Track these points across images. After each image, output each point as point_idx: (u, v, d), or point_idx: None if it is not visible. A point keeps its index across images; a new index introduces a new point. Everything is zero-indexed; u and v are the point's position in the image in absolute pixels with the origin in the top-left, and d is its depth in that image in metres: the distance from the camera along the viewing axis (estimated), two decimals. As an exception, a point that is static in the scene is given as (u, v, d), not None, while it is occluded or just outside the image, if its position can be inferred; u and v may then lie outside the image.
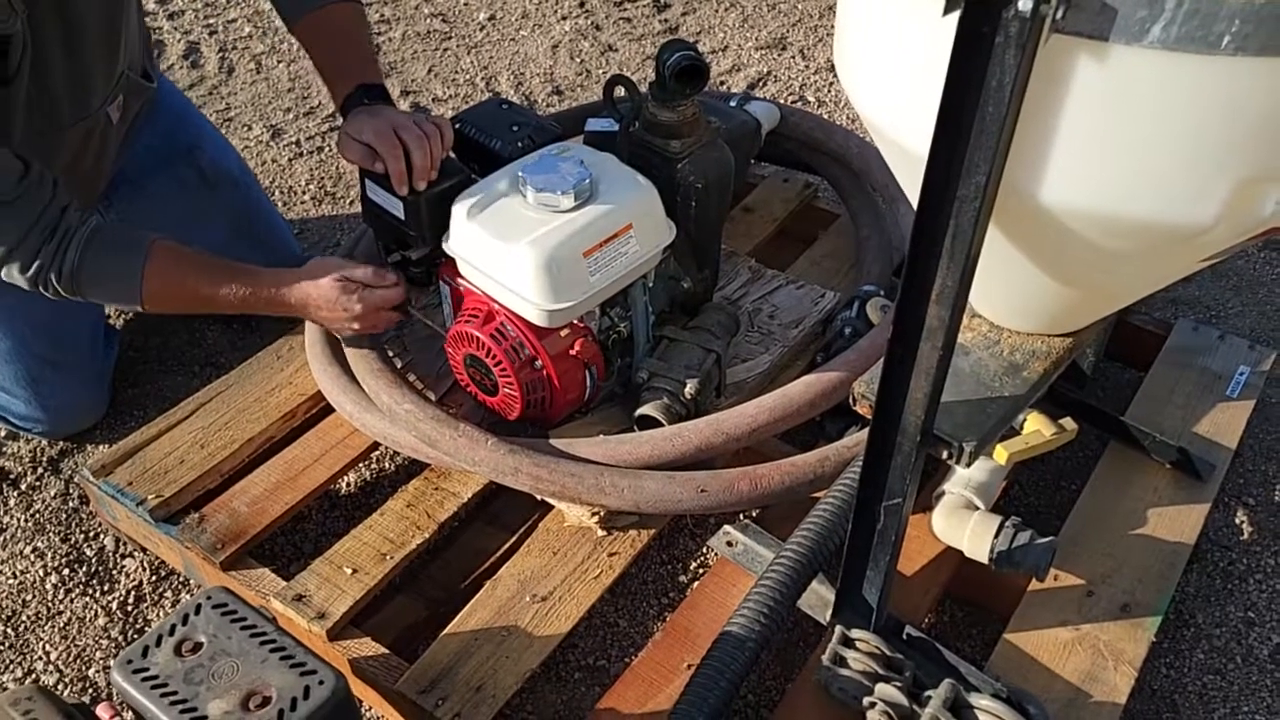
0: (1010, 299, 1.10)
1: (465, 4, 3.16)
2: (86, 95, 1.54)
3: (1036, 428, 1.25)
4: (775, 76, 2.81)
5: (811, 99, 2.71)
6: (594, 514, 1.45)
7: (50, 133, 1.51)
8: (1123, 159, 0.81)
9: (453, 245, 1.44)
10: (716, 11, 3.10)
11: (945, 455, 1.06)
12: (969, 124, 0.82)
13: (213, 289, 1.46)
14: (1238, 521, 1.60)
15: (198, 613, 1.01)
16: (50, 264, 1.40)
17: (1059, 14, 0.73)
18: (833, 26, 3.00)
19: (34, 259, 1.39)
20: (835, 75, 2.79)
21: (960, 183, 0.86)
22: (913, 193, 1.08)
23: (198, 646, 0.98)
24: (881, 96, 0.95)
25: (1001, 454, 1.22)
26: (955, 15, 0.77)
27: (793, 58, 2.88)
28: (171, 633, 0.99)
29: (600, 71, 2.85)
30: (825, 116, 2.31)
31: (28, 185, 1.37)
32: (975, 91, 0.81)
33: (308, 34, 1.61)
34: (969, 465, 1.07)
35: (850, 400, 1.17)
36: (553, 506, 1.50)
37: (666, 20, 3.07)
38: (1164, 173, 0.80)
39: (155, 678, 0.95)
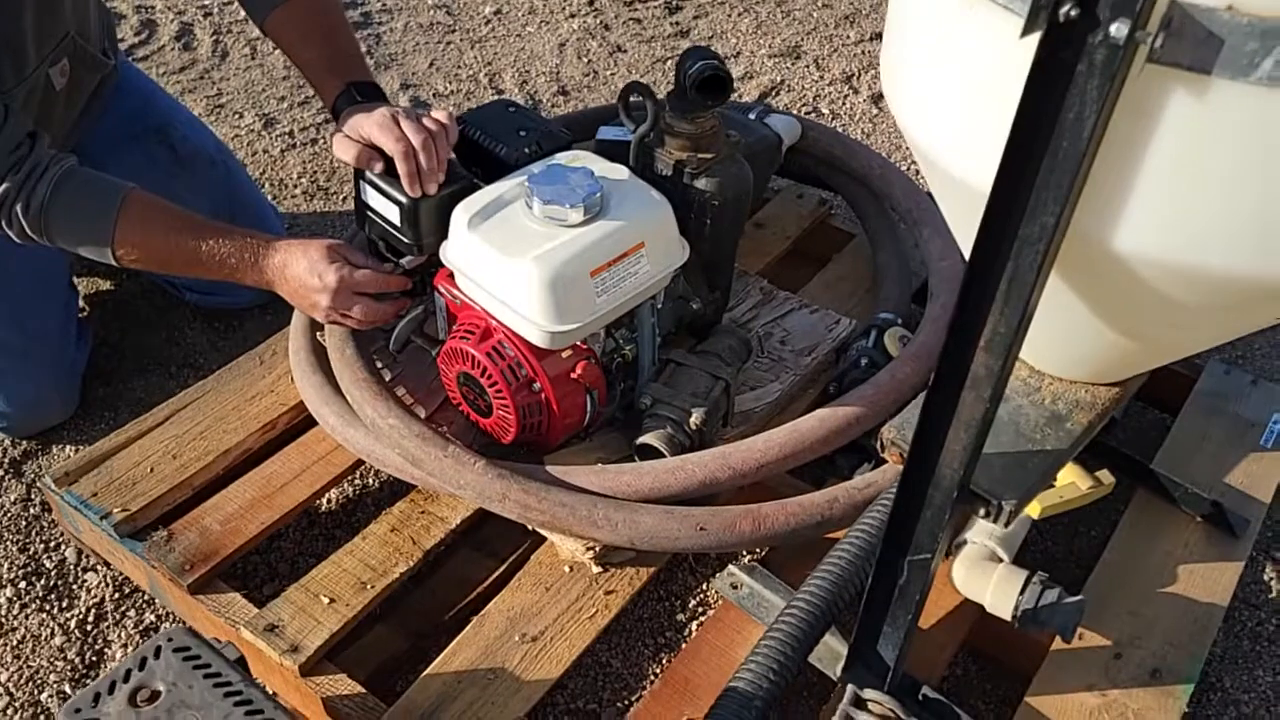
0: (1057, 345, 1.01)
1: (470, -3, 3.07)
2: (21, 52, 1.44)
3: (1072, 480, 1.17)
4: (788, 86, 2.72)
5: (825, 111, 2.63)
6: (589, 548, 1.36)
7: None
8: (1214, 206, 0.72)
9: (451, 256, 1.35)
10: (730, 16, 3.02)
11: (983, 514, 0.98)
12: (1039, 159, 0.74)
13: (193, 242, 1.36)
14: (1266, 579, 1.52)
15: (157, 656, 0.92)
16: (17, 196, 1.30)
17: (1157, 43, 0.65)
18: (849, 36, 2.94)
19: None
20: (851, 87, 2.71)
21: (1024, 223, 0.78)
22: (962, 227, 1.00)
23: (155, 695, 0.89)
24: (935, 122, 0.87)
25: (1035, 508, 1.14)
26: (1034, 38, 0.69)
27: (807, 67, 2.79)
28: (127, 679, 0.90)
29: (608, 73, 2.76)
30: (839, 130, 2.22)
31: None
32: (1049, 124, 0.72)
33: (281, 30, 1.51)
34: (1008, 525, 0.99)
35: (879, 446, 1.08)
36: (545, 537, 1.41)
37: (678, 23, 2.99)
38: (1262, 222, 0.72)
39: (105, 731, 0.86)
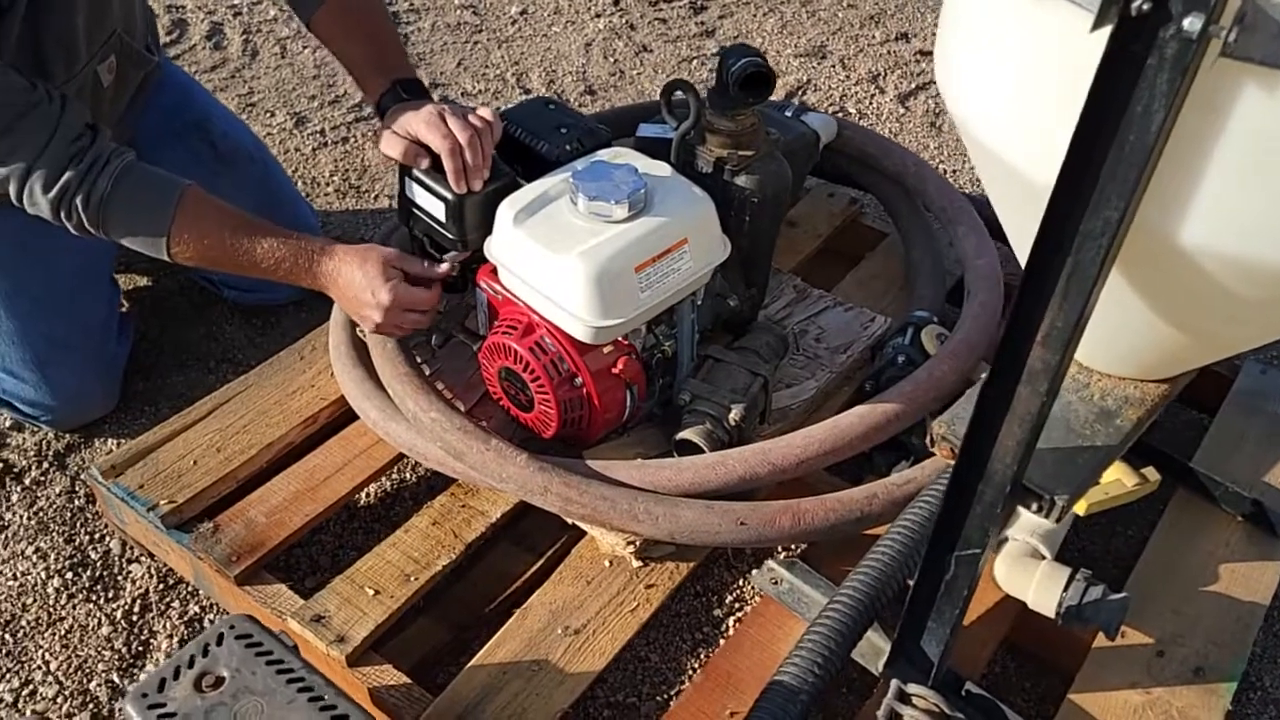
0: (1109, 340, 1.02)
1: (497, -3, 3.08)
2: (73, 50, 1.46)
3: (1117, 477, 1.17)
4: (815, 86, 2.73)
5: (852, 110, 2.63)
6: (629, 542, 1.37)
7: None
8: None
9: (495, 251, 1.36)
10: (755, 16, 3.03)
11: (1035, 509, 0.98)
12: (1104, 153, 0.74)
13: (248, 243, 1.37)
14: (1305, 578, 1.52)
15: (219, 643, 0.93)
16: (78, 188, 1.32)
17: (1230, 37, 0.65)
18: (874, 36, 2.94)
19: (59, 176, 1.31)
20: (877, 87, 2.71)
21: (1087, 217, 0.78)
22: (1016, 221, 1.01)
23: (219, 681, 0.90)
24: (995, 116, 0.88)
25: (1081, 505, 1.15)
26: (1104, 32, 0.69)
27: (833, 67, 2.80)
28: (191, 664, 0.91)
29: (634, 72, 2.77)
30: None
31: (39, 97, 1.30)
32: (1116, 117, 0.73)
33: (328, 28, 1.52)
34: (1059, 520, 0.99)
35: (928, 441, 1.08)
36: (584, 532, 1.42)
37: (703, 23, 3.00)
38: (1327, 218, 0.72)
39: (173, 715, 0.87)
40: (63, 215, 1.33)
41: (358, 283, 1.37)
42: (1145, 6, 0.66)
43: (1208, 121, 0.71)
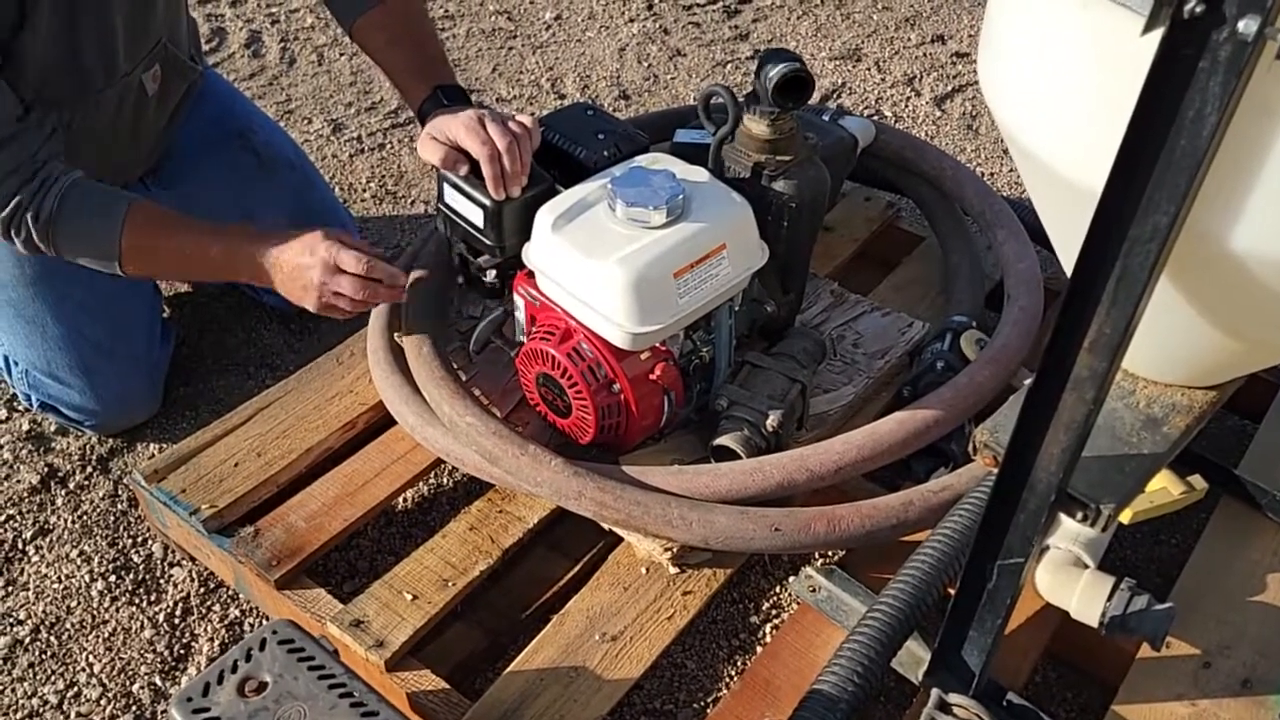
0: (1157, 346, 1.00)
1: (531, 2, 3.09)
2: (112, 54, 1.48)
3: (1163, 485, 1.15)
4: (850, 89, 2.72)
5: (888, 113, 2.62)
6: (666, 549, 1.37)
7: (84, 98, 1.46)
8: (1338, 205, 0.71)
9: (534, 257, 1.37)
10: (789, 20, 3.02)
11: (1080, 517, 0.97)
12: (1153, 157, 0.73)
13: (196, 247, 1.38)
14: (1356, 589, 1.49)
15: (262, 648, 0.94)
16: (29, 205, 1.34)
17: (1288, 39, 0.64)
18: (909, 39, 2.92)
19: (11, 198, 1.33)
20: (913, 89, 2.69)
21: (1135, 222, 0.77)
22: (1060, 226, 0.99)
23: (262, 686, 0.91)
24: (1040, 118, 0.86)
25: (1126, 513, 1.13)
26: (1155, 35, 0.68)
27: (868, 70, 2.78)
28: (234, 669, 0.92)
29: (668, 77, 2.77)
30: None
31: (25, 127, 1.33)
32: (1167, 122, 0.71)
33: (371, 34, 1.54)
34: (1105, 529, 0.98)
35: (970, 449, 1.07)
36: (621, 538, 1.42)
37: (737, 27, 2.99)
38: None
39: (217, 719, 0.88)
40: (12, 233, 1.36)
41: (295, 250, 1.37)
42: (1199, 9, 0.65)
43: (1261, 125, 0.70)
